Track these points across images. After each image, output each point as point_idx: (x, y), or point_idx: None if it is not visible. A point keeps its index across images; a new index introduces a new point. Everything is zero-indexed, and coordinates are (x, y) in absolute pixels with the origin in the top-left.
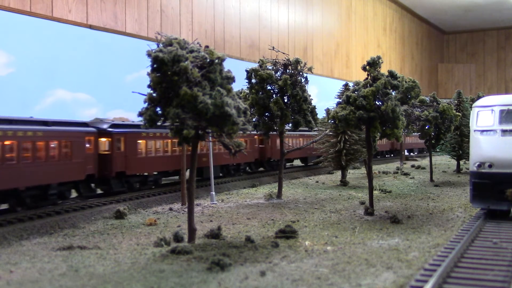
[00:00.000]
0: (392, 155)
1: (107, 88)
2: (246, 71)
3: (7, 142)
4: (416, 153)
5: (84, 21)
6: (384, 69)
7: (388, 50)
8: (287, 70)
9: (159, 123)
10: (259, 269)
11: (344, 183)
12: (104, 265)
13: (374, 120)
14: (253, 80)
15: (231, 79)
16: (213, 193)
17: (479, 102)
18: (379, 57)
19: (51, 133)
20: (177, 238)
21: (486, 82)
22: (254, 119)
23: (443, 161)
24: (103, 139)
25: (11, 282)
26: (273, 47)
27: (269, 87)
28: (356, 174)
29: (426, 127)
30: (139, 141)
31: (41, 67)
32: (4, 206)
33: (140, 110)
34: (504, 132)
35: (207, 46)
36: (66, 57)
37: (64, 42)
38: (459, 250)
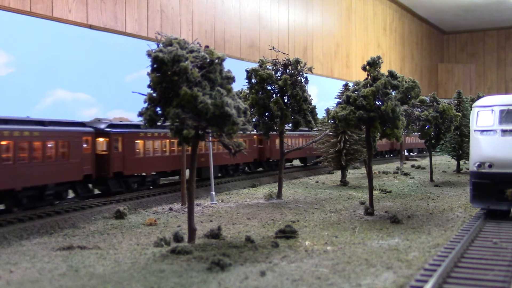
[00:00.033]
0: (391, 155)
1: (107, 88)
2: (246, 71)
3: (3, 142)
4: (415, 153)
5: (84, 21)
6: (384, 69)
7: (388, 50)
8: (287, 70)
9: (159, 123)
10: (259, 269)
11: (344, 183)
12: (104, 265)
13: (374, 120)
14: (253, 80)
15: (231, 79)
16: (213, 193)
17: (479, 102)
18: (379, 57)
19: (48, 133)
20: (177, 238)
21: (486, 82)
22: (254, 119)
23: (443, 161)
24: (100, 139)
25: (11, 282)
26: (273, 47)
27: (269, 87)
28: (356, 174)
29: (426, 127)
30: (137, 141)
31: (41, 67)
32: (1, 207)
33: (140, 110)
34: (504, 132)
35: (207, 46)
36: (66, 57)
37: (64, 42)
38: (459, 250)
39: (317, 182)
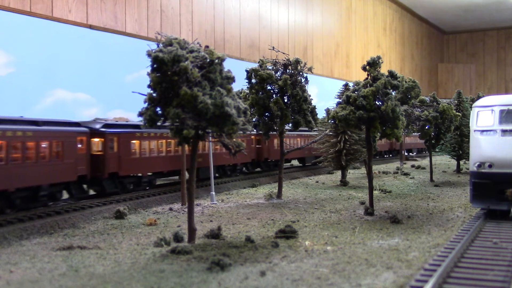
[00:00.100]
0: (391, 155)
1: (107, 88)
2: (246, 71)
3: None
4: (415, 153)
5: (84, 21)
6: (384, 69)
7: (388, 50)
8: (287, 70)
9: (159, 123)
10: (259, 269)
11: (344, 183)
12: (104, 265)
13: (374, 120)
14: (253, 80)
15: (231, 79)
16: (213, 193)
17: (479, 102)
18: (379, 57)
19: (42, 133)
20: (177, 238)
21: (486, 82)
22: (254, 119)
23: (443, 161)
24: (95, 139)
25: (11, 282)
26: (273, 47)
27: (269, 87)
28: (356, 174)
29: (426, 127)
30: (132, 141)
31: (41, 67)
32: None
33: (140, 110)
34: (504, 132)
35: (207, 46)
36: (66, 57)
37: (64, 42)
38: (459, 250)
39: (317, 182)
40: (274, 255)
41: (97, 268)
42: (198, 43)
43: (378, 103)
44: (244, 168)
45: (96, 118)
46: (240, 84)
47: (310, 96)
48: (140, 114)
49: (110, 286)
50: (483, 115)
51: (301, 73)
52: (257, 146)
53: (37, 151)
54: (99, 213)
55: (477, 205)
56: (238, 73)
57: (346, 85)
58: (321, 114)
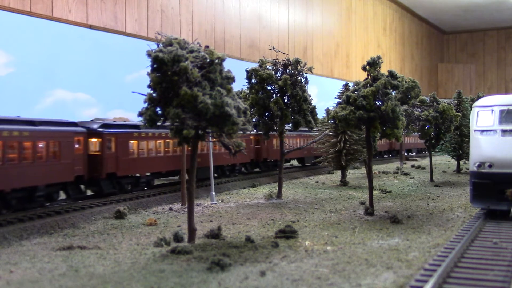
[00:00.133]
0: (390, 155)
1: (107, 88)
2: (246, 71)
3: None
4: (414, 153)
5: (84, 21)
6: (384, 69)
7: (388, 50)
8: (287, 70)
9: (159, 123)
10: (259, 269)
11: (344, 183)
12: (104, 265)
13: (374, 120)
14: (253, 80)
15: (231, 79)
16: (213, 193)
17: (479, 102)
18: (379, 57)
19: (38, 133)
20: (177, 238)
21: (486, 82)
22: (254, 119)
23: (443, 161)
24: (93, 140)
25: (11, 282)
26: (273, 47)
27: (269, 87)
28: (356, 174)
29: (426, 127)
30: (130, 142)
31: (41, 67)
32: None
33: (140, 110)
34: (504, 132)
35: (207, 46)
36: (66, 57)
37: (64, 42)
38: (459, 250)
39: (317, 182)
40: (274, 255)
41: (97, 268)
42: (198, 43)
43: (378, 103)
44: (243, 168)
45: (96, 118)
46: (240, 84)
47: (310, 96)
48: (140, 114)
49: (110, 286)
50: (483, 115)
51: (301, 73)
52: (256, 146)
53: (33, 151)
54: (99, 213)
55: (477, 205)
56: (238, 73)
57: (346, 85)
58: (321, 114)
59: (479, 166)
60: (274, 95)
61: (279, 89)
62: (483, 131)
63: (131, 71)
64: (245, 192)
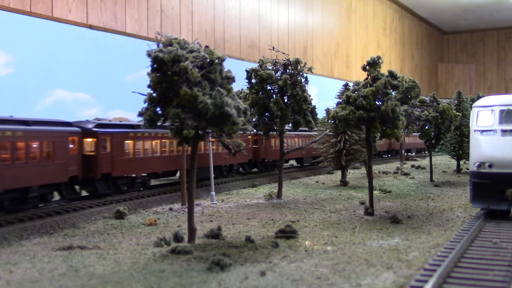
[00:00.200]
0: (389, 155)
1: (107, 88)
2: (246, 71)
3: None
4: (413, 153)
5: (84, 21)
6: (384, 69)
7: (388, 50)
8: (287, 70)
9: (159, 123)
10: (259, 269)
11: (344, 183)
12: (104, 265)
13: (374, 120)
14: (253, 80)
15: (231, 79)
16: (213, 193)
17: (479, 102)
18: (379, 57)
19: (32, 133)
20: (177, 238)
21: (486, 82)
22: (254, 119)
23: (443, 161)
24: (88, 140)
25: (11, 282)
26: (273, 47)
27: (269, 87)
28: (356, 174)
29: (426, 127)
30: (126, 142)
31: (41, 67)
32: None
33: (140, 110)
34: (504, 132)
35: (207, 46)
36: (66, 57)
37: (64, 42)
38: (459, 250)
39: (317, 182)
40: (274, 255)
41: (97, 268)
42: (198, 43)
43: (378, 103)
44: (240, 169)
45: (96, 118)
46: (240, 84)
47: (310, 96)
48: (140, 114)
49: (110, 286)
50: (483, 115)
51: (301, 73)
52: (254, 146)
53: (27, 152)
54: (99, 213)
55: (477, 205)
56: (238, 73)
57: (346, 85)
58: (321, 114)
59: (479, 166)
60: (274, 95)
61: (279, 89)
62: (483, 131)
63: (131, 71)
64: (245, 192)
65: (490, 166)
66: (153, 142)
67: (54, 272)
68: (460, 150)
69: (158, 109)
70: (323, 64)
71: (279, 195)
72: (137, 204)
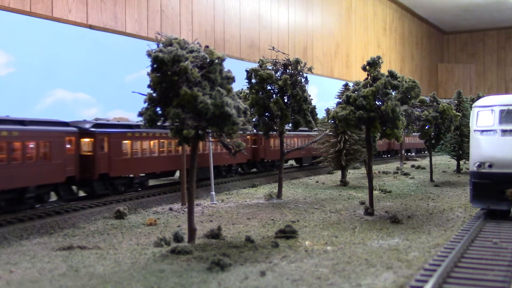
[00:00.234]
0: (389, 155)
1: (107, 88)
2: (246, 71)
3: None
4: (413, 153)
5: (84, 21)
6: (384, 69)
7: (388, 50)
8: (287, 70)
9: (159, 123)
10: (259, 269)
11: (344, 183)
12: (104, 265)
13: (374, 120)
14: (253, 80)
15: (231, 79)
16: (213, 193)
17: (479, 102)
18: (379, 57)
19: (28, 133)
20: (177, 238)
21: (486, 82)
22: (254, 119)
23: (443, 161)
24: (85, 140)
25: (11, 282)
26: (273, 47)
27: (269, 87)
28: (356, 174)
29: (426, 127)
30: (124, 142)
31: (41, 67)
32: None
33: (140, 110)
34: (504, 132)
35: (207, 46)
36: (66, 57)
37: (64, 42)
38: (459, 250)
39: (317, 182)
40: (274, 255)
41: (97, 268)
42: (198, 43)
43: (378, 103)
44: (239, 169)
45: (96, 118)
46: (240, 84)
47: (310, 96)
48: (140, 114)
49: (110, 286)
50: (483, 115)
51: (301, 73)
52: (253, 146)
53: (23, 152)
54: (99, 213)
55: (477, 205)
56: (238, 73)
57: (346, 85)
58: (321, 114)
59: (479, 166)
60: (274, 95)
61: (279, 89)
62: (483, 131)
63: (131, 71)
64: (245, 192)
65: (490, 166)
66: (151, 142)
67: (54, 272)
68: (460, 150)
69: (158, 109)
70: (323, 64)
71: (279, 195)
72: (137, 204)
